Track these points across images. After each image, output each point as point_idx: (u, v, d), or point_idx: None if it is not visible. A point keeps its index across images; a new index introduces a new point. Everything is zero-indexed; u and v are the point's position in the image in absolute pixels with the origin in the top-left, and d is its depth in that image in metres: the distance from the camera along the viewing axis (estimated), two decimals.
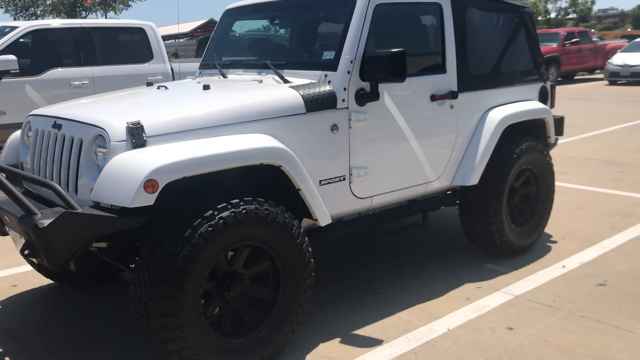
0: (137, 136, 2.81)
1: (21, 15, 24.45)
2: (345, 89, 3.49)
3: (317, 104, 3.38)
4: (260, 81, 3.66)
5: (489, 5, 4.42)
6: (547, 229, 5.21)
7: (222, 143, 2.92)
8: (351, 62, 3.52)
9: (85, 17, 24.62)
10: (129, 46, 8.51)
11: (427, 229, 5.27)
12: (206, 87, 3.48)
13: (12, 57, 7.24)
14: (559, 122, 5.04)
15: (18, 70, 7.27)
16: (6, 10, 24.26)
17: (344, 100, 3.49)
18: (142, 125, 2.84)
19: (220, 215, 2.79)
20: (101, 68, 8.02)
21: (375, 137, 3.67)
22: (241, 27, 4.50)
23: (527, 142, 4.45)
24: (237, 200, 2.87)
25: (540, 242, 4.87)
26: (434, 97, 3.95)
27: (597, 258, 4.52)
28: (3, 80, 7.36)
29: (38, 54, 7.78)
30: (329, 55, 3.63)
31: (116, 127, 2.86)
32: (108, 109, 3.24)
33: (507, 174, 4.32)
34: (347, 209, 3.64)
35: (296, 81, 3.55)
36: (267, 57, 4.04)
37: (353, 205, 3.66)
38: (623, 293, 3.90)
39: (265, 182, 3.25)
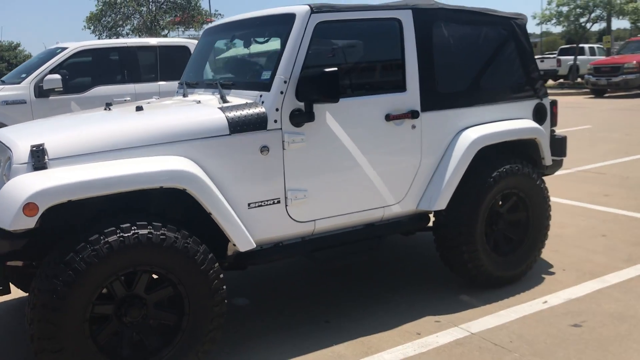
0: (37, 158, 2.87)
1: (106, 35, 26.14)
2: (277, 109, 3.38)
3: (243, 125, 3.30)
4: (199, 102, 3.63)
5: (465, 18, 4.14)
6: (553, 258, 4.78)
7: (121, 166, 2.91)
8: (285, 82, 3.41)
9: (165, 36, 25.85)
10: (173, 63, 8.81)
11: (414, 254, 5.01)
12: (139, 109, 3.50)
13: (57, 76, 7.72)
14: (560, 143, 4.62)
15: (62, 89, 7.73)
16: (93, 30, 26.04)
17: (276, 121, 3.38)
18: (43, 148, 2.89)
19: (106, 239, 2.78)
20: (143, 85, 8.36)
21: (315, 159, 3.53)
22: (217, 46, 4.51)
23: (508, 165, 4.10)
24: (128, 225, 2.84)
25: (533, 273, 4.47)
26: (389, 117, 3.74)
27: (589, 294, 4.07)
28: (51, 97, 7.86)
29: (84, 72, 8.25)
30: (266, 75, 3.55)
31: (20, 149, 2.93)
32: (28, 131, 3.34)
33: (481, 199, 4.00)
34: (284, 233, 3.52)
35: (235, 101, 3.50)
36: (228, 76, 4.02)
37: (292, 229, 3.53)
38: (595, 337, 3.48)
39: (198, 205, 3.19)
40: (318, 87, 3.29)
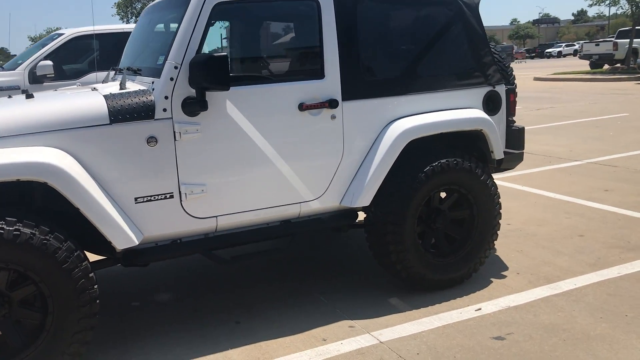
0: None
1: (134, 21, 26.42)
2: (167, 97, 3.17)
3: (126, 114, 3.10)
4: (95, 89, 3.46)
5: None
6: (512, 259, 4.40)
7: None
8: (176, 67, 3.19)
9: None
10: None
11: (356, 252, 4.71)
12: (29, 96, 3.36)
13: (49, 62, 7.73)
14: (516, 135, 4.21)
15: (53, 75, 7.75)
16: (122, 17, 26.37)
17: (165, 110, 3.17)
18: None
19: None
20: None
21: (214, 151, 3.30)
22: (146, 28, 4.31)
23: (444, 159, 3.75)
24: None
25: (482, 276, 4.11)
26: (302, 106, 3.46)
27: (531, 302, 3.69)
28: (45, 84, 7.89)
29: (79, 58, 8.25)
30: (160, 60, 3.34)
31: None
32: None
33: (411, 195, 3.67)
34: (180, 230, 3.31)
35: (133, 88, 3.30)
36: (140, 62, 3.82)
37: (189, 226, 3.32)
38: (514, 352, 3.12)
39: None
40: (206, 73, 3.05)
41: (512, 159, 4.25)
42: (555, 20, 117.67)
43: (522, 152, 4.28)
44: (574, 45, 61.41)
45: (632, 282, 3.90)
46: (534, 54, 67.70)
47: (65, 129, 3.01)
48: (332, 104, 3.52)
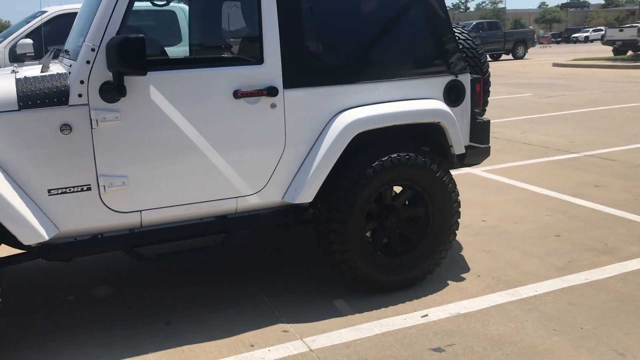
0: None
1: None
2: (82, 82, 2.95)
3: (37, 99, 2.89)
4: (14, 71, 3.24)
5: None
6: (477, 260, 4.13)
7: None
8: (93, 50, 2.96)
9: None
10: (158, 29, 8.47)
11: (307, 248, 4.47)
12: None
13: (29, 41, 7.55)
14: (481, 128, 3.91)
15: (33, 54, 7.57)
16: None
17: (80, 96, 2.95)
18: None
19: None
20: None
21: (137, 141, 3.07)
22: None
23: (395, 154, 3.48)
24: None
25: (439, 278, 3.86)
26: (237, 94, 3.21)
27: (483, 310, 3.43)
28: (26, 63, 7.73)
29: (61, 37, 8.05)
30: (81, 42, 3.10)
31: None
32: None
33: (357, 192, 3.42)
34: (100, 225, 3.10)
35: (54, 71, 3.09)
36: (71, 42, 3.60)
37: (110, 221, 3.11)
38: None
39: None
40: (121, 56, 2.81)
41: (477, 154, 3.96)
42: (584, 4, 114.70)
43: (488, 147, 3.98)
44: (602, 30, 59.85)
45: (596, 290, 3.61)
46: (559, 39, 66.20)
47: None
48: (271, 91, 3.26)
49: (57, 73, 3.01)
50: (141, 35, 2.81)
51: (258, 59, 3.27)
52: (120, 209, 3.11)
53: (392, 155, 3.48)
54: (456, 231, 3.77)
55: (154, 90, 3.06)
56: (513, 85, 16.28)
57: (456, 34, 4.29)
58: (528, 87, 15.68)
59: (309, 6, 3.36)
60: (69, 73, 2.98)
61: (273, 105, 3.31)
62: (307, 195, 3.39)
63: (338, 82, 3.44)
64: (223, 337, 3.22)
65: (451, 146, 3.72)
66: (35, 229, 2.85)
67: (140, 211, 3.15)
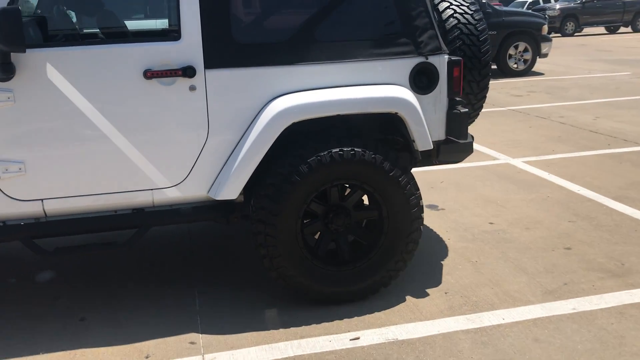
0: None
1: None
2: None
3: None
4: None
5: None
6: (454, 273, 3.57)
7: None
8: None
9: None
10: None
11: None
12: None
13: None
14: (457, 120, 3.30)
15: None
16: None
17: None
18: None
19: None
20: None
21: (32, 123, 2.80)
22: None
23: (338, 149, 2.99)
24: None
25: (396, 292, 3.36)
26: (147, 74, 2.85)
27: (425, 338, 2.90)
28: None
29: None
30: None
31: None
32: None
33: (287, 190, 2.98)
34: (1, 212, 2.89)
35: None
36: None
37: (9, 208, 2.89)
38: None
39: None
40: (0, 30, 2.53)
41: (453, 150, 3.36)
42: None
43: (468, 143, 3.36)
44: None
45: (580, 324, 2.96)
46: None
47: None
48: (187, 71, 2.87)
49: None
50: (15, 6, 2.51)
51: (175, 35, 2.88)
52: (19, 197, 2.87)
53: (333, 150, 2.99)
54: (417, 239, 3.22)
55: (50, 69, 2.77)
56: (614, 62, 14.68)
57: (452, 5, 3.67)
58: (631, 65, 14.06)
59: None
60: None
61: (192, 88, 2.92)
62: (230, 191, 2.99)
63: (273, 62, 2.99)
64: (124, 342, 2.94)
65: (413, 141, 3.16)
66: None
67: (42, 200, 2.90)
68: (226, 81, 2.95)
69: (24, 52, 2.59)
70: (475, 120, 3.97)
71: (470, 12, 3.67)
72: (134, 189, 2.98)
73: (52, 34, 2.91)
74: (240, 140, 3.02)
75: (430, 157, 3.38)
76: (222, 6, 2.88)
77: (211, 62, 2.91)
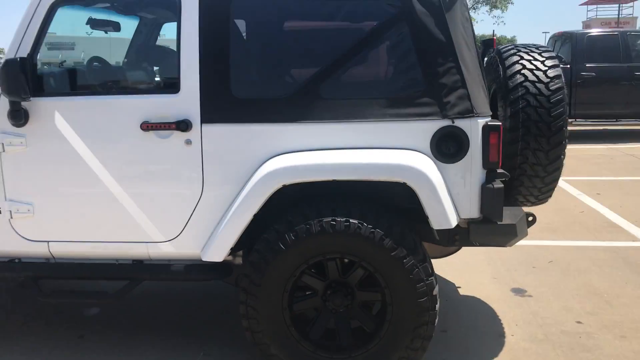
0: None
1: None
2: None
3: None
4: None
5: None
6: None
7: None
8: None
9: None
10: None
11: None
12: None
13: None
14: (492, 195, 2.73)
15: None
16: None
17: None
18: None
19: None
20: None
21: (41, 169, 2.93)
22: None
23: (330, 218, 2.65)
24: None
25: None
26: (143, 126, 2.82)
27: None
28: None
29: None
30: None
31: None
32: None
33: (272, 259, 2.71)
34: (9, 249, 3.04)
35: None
36: None
37: (19, 247, 3.03)
38: None
39: None
40: (3, 79, 2.70)
41: (490, 232, 2.80)
42: None
43: (510, 226, 2.77)
44: None
45: None
46: None
47: None
48: (181, 125, 2.78)
49: None
50: (21, 56, 2.65)
51: (174, 87, 2.81)
52: (29, 237, 3.00)
53: (324, 220, 2.65)
54: (426, 336, 2.71)
55: (58, 117, 2.87)
56: None
57: (523, 59, 3.13)
58: None
59: (240, 23, 2.77)
60: None
61: (188, 142, 2.81)
62: (216, 253, 2.80)
63: (272, 119, 2.77)
64: None
65: (427, 217, 2.68)
66: None
67: (48, 242, 2.99)
68: (222, 137, 2.80)
69: (27, 100, 2.71)
70: (549, 199, 3.28)
71: (543, 69, 3.10)
72: (129, 240, 2.94)
73: (62, 84, 3.02)
74: (236, 198, 2.83)
75: (456, 238, 2.86)
76: (221, 59, 2.75)
77: (208, 116, 2.79)
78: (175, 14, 2.78)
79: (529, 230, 3.05)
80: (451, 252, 3.61)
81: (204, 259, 2.84)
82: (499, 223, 2.77)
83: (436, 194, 2.64)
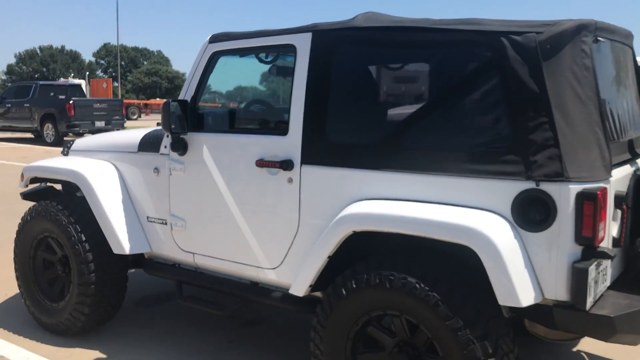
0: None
1: None
2: (167, 135, 3.58)
3: (146, 146, 3.72)
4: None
5: (399, 39, 2.70)
6: None
7: None
8: None
9: None
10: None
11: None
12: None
13: None
14: (577, 276, 2.26)
15: None
16: None
17: (165, 147, 3.60)
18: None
19: None
20: None
21: (191, 191, 3.49)
22: None
23: (390, 271, 2.55)
24: None
25: None
26: (257, 163, 3.14)
27: None
28: None
29: None
30: None
31: None
32: None
33: (336, 303, 2.73)
34: (170, 255, 3.68)
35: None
36: None
37: (176, 254, 3.64)
38: None
39: None
40: (164, 116, 3.33)
41: (577, 321, 2.31)
42: None
43: (605, 318, 2.24)
44: None
45: None
46: None
47: (116, 151, 3.89)
48: (284, 165, 3.01)
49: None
50: (180, 99, 3.23)
51: (284, 130, 3.06)
52: (183, 247, 3.58)
53: (383, 272, 2.57)
54: None
55: (205, 149, 3.38)
56: None
57: None
58: None
59: (339, 75, 2.86)
60: None
61: (290, 180, 3.03)
62: (298, 288, 2.94)
63: (357, 165, 2.79)
64: None
65: (496, 293, 2.36)
66: (119, 243, 3.68)
67: (194, 254, 3.53)
68: (317, 178, 2.93)
69: (185, 134, 3.29)
70: None
71: None
72: (244, 262, 3.28)
73: (214, 123, 3.52)
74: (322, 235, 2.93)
75: (546, 320, 2.42)
76: (320, 108, 2.90)
77: (307, 158, 2.96)
78: (291, 71, 3.04)
79: None
80: (573, 337, 2.99)
81: (290, 292, 2.99)
82: (590, 312, 2.27)
83: (502, 265, 2.32)
